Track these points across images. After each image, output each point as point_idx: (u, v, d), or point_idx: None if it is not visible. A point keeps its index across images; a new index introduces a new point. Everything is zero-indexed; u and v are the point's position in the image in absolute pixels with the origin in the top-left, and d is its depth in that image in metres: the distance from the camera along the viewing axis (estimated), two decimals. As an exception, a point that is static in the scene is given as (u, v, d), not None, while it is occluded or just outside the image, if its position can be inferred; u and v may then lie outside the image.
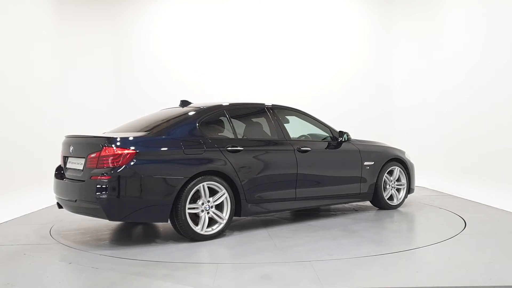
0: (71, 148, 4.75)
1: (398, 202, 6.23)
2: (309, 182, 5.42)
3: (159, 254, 4.17)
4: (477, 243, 4.43)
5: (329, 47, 9.71)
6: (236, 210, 4.86)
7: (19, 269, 3.77)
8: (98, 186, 4.20)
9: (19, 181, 7.03)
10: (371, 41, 9.88)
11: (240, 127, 5.36)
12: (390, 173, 6.18)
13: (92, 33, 9.34)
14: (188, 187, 4.45)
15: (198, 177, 4.52)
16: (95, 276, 3.55)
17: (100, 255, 4.13)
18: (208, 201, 4.60)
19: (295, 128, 5.81)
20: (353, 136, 6.00)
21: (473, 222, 5.25)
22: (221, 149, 4.76)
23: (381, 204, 6.11)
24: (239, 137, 5.15)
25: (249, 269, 3.66)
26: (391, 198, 6.19)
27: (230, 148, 4.82)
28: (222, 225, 4.68)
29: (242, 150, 4.89)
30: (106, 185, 4.17)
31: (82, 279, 3.51)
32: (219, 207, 4.71)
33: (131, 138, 4.42)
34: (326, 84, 9.63)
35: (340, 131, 5.83)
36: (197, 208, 4.55)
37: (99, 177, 4.22)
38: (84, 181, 4.38)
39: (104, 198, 4.17)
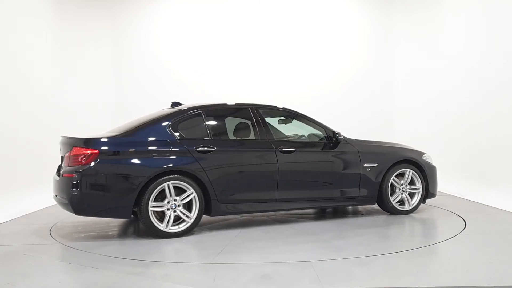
0: (60, 148, 5.08)
1: (410, 208, 5.77)
2: (293, 184, 5.29)
3: (159, 254, 4.18)
4: (477, 243, 4.43)
5: (329, 48, 9.71)
6: (207, 210, 4.90)
7: (19, 269, 3.77)
8: (66, 182, 4.59)
9: (19, 181, 7.03)
10: (371, 41, 9.88)
11: (220, 128, 5.38)
12: (402, 176, 5.80)
13: (92, 33, 9.34)
14: (151, 186, 4.58)
15: (162, 177, 4.64)
16: (95, 276, 3.55)
17: (100, 255, 4.13)
18: (175, 200, 4.69)
19: (294, 129, 5.78)
20: (352, 136, 5.82)
21: (473, 222, 5.24)
22: (189, 149, 4.82)
23: (387, 208, 5.73)
24: (216, 138, 5.14)
25: (249, 269, 3.65)
26: (402, 202, 5.80)
27: (200, 149, 4.86)
28: (189, 224, 4.75)
29: (213, 150, 4.91)
30: (72, 182, 4.53)
31: (82, 279, 3.51)
32: (190, 206, 4.78)
33: (96, 139, 4.70)
34: (326, 84, 9.63)
35: (333, 132, 5.60)
36: (162, 206, 4.65)
37: (68, 175, 4.60)
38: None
39: (70, 193, 4.55)
